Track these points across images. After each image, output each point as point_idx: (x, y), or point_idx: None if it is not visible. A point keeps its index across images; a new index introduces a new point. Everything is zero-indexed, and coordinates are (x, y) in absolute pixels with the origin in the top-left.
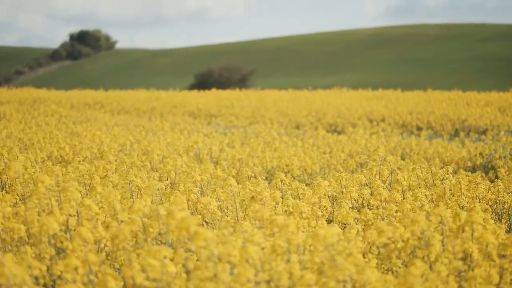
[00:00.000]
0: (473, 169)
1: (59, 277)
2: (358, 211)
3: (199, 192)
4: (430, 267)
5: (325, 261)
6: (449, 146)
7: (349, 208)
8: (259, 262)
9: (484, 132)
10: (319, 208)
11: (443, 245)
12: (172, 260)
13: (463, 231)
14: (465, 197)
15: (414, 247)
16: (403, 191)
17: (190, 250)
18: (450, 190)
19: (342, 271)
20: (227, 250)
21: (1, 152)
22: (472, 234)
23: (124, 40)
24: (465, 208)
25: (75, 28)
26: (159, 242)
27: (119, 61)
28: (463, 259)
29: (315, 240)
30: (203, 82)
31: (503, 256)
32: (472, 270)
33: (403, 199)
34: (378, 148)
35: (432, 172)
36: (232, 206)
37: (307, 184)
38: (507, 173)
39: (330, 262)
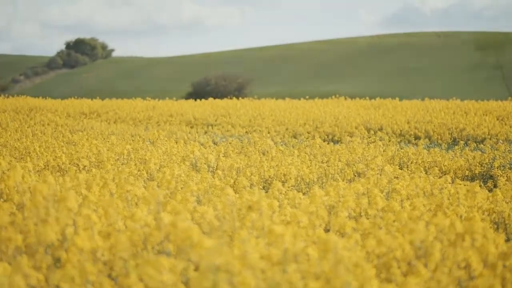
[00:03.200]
0: (472, 178)
1: (57, 287)
2: (355, 221)
3: (196, 201)
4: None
5: (332, 269)
6: (447, 155)
7: (346, 217)
8: (259, 271)
9: (483, 141)
10: (317, 217)
11: (442, 255)
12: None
13: (463, 240)
14: (463, 207)
15: (414, 256)
16: (401, 200)
17: (190, 260)
18: (449, 199)
19: (346, 280)
20: (228, 259)
21: None
22: (472, 244)
23: (119, 49)
24: (463, 217)
25: (70, 37)
26: (156, 252)
27: (116, 69)
28: (463, 268)
29: (323, 248)
30: (199, 91)
31: (504, 266)
32: (472, 279)
33: (401, 208)
34: (375, 157)
35: (430, 181)
36: (229, 215)
37: (304, 193)
38: (506, 182)
39: (338, 271)
